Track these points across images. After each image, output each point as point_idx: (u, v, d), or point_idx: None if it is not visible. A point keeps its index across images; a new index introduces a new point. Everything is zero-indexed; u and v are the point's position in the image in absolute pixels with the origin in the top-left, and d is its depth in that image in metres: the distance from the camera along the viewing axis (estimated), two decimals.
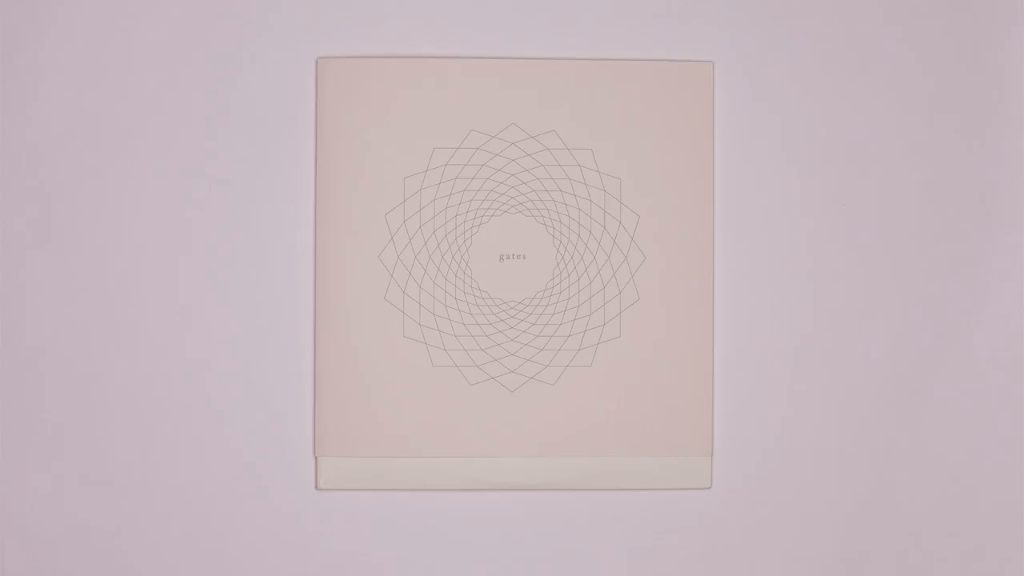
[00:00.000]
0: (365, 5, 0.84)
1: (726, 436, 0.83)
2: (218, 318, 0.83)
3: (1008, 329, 0.83)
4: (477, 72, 0.83)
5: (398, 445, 0.83)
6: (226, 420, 0.83)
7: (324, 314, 0.83)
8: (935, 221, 0.84)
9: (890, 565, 0.83)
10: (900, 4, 0.84)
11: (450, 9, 0.84)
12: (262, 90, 0.84)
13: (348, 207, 0.82)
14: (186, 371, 0.83)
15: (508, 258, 0.83)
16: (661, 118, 0.83)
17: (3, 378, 0.83)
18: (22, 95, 0.83)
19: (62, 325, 0.83)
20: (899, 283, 0.84)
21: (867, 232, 0.84)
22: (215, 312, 0.83)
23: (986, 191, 0.84)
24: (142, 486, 0.83)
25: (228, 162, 0.84)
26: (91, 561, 0.83)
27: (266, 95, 0.84)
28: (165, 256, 0.83)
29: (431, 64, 0.83)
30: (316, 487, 0.83)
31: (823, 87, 0.84)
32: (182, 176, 0.84)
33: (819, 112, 0.84)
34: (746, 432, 0.84)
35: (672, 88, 0.83)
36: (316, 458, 0.83)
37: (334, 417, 0.83)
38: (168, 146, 0.84)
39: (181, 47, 0.84)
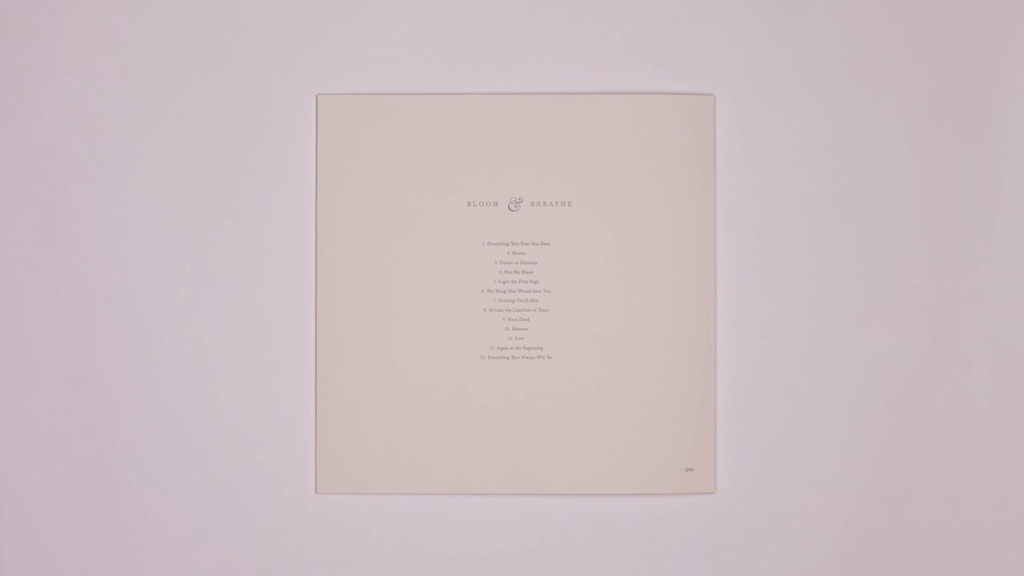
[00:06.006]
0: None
1: (729, 440, 0.83)
2: (219, 319, 0.83)
3: (1009, 330, 0.83)
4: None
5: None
6: (226, 421, 0.83)
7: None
8: (935, 223, 0.84)
9: (892, 568, 0.83)
10: (899, 17, 0.84)
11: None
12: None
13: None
14: (186, 372, 0.83)
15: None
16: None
17: (2, 378, 0.83)
18: (22, 95, 0.83)
19: (61, 326, 0.83)
20: (899, 286, 0.84)
21: (866, 238, 0.84)
22: (216, 313, 0.83)
23: (987, 192, 0.84)
24: (142, 488, 0.83)
25: (231, 170, 0.84)
26: (91, 563, 0.82)
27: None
28: (166, 257, 0.83)
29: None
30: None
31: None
32: (184, 181, 0.84)
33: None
34: (749, 436, 0.84)
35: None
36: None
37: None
38: (171, 153, 0.84)
39: (184, 61, 0.84)
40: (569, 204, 0.84)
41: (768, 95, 0.84)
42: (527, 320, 0.83)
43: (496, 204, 0.84)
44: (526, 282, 0.83)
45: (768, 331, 0.84)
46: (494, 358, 0.83)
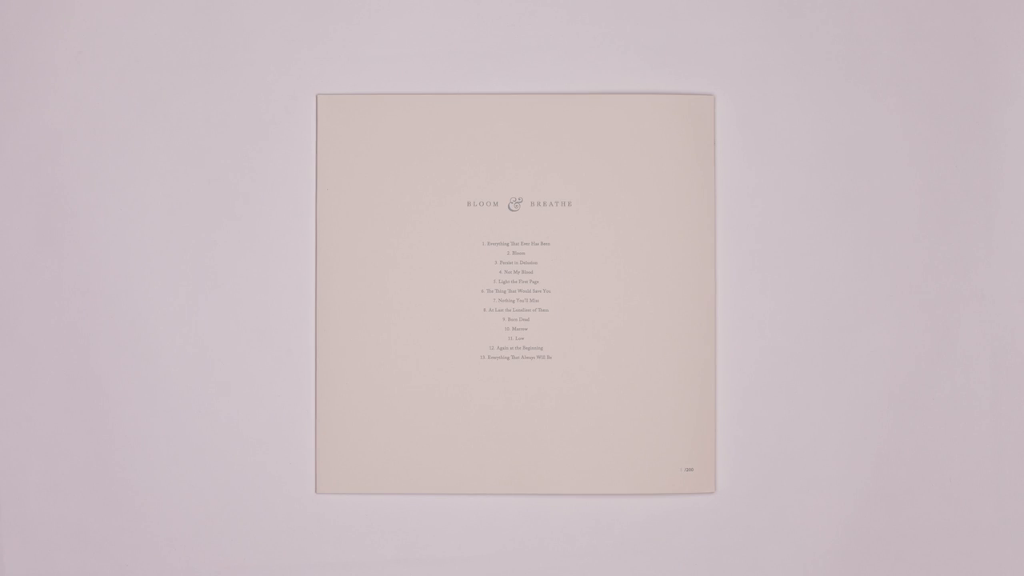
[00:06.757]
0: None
1: (729, 441, 0.83)
2: (219, 319, 0.83)
3: (1009, 330, 0.83)
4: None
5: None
6: (226, 421, 0.83)
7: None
8: (935, 223, 0.84)
9: (892, 568, 0.83)
10: (899, 17, 0.84)
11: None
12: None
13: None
14: (186, 372, 0.83)
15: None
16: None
17: (2, 378, 0.83)
18: (22, 95, 0.83)
19: (61, 325, 0.83)
20: (899, 286, 0.84)
21: (866, 238, 0.84)
22: (216, 313, 0.83)
23: (987, 192, 0.84)
24: (142, 488, 0.83)
25: (231, 170, 0.84)
26: (91, 563, 0.82)
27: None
28: (166, 257, 0.83)
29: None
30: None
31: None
32: (184, 181, 0.84)
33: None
34: (749, 436, 0.84)
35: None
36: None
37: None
38: (171, 153, 0.84)
39: (184, 61, 0.84)
40: (569, 204, 0.84)
41: (768, 95, 0.84)
42: (527, 320, 0.83)
43: (496, 204, 0.84)
44: (526, 282, 0.83)
45: (768, 331, 0.84)
46: (494, 358, 0.83)
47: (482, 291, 0.83)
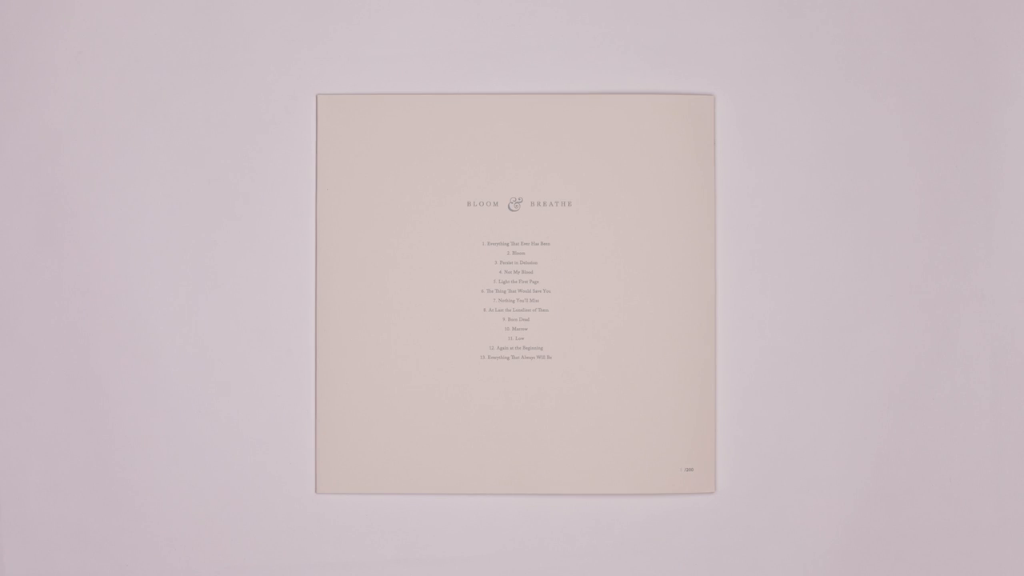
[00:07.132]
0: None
1: (729, 441, 0.83)
2: (219, 319, 0.83)
3: (1009, 330, 0.83)
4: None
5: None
6: (226, 421, 0.83)
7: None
8: (935, 223, 0.84)
9: (892, 568, 0.83)
10: (899, 17, 0.84)
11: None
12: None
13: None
14: (186, 372, 0.83)
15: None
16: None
17: (2, 378, 0.83)
18: (22, 95, 0.83)
19: (61, 325, 0.83)
20: (899, 286, 0.84)
21: (866, 238, 0.84)
22: (216, 313, 0.83)
23: (987, 192, 0.84)
24: (142, 488, 0.83)
25: (231, 170, 0.84)
26: (91, 563, 0.82)
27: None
28: (166, 257, 0.83)
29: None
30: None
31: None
32: (184, 181, 0.84)
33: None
34: (749, 436, 0.84)
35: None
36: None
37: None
38: (171, 153, 0.84)
39: (184, 61, 0.84)
40: (569, 204, 0.84)
41: (768, 95, 0.84)
42: (527, 320, 0.83)
43: (496, 204, 0.84)
44: (526, 282, 0.83)
45: (768, 331, 0.84)
46: (494, 358, 0.83)
47: (482, 291, 0.83)
